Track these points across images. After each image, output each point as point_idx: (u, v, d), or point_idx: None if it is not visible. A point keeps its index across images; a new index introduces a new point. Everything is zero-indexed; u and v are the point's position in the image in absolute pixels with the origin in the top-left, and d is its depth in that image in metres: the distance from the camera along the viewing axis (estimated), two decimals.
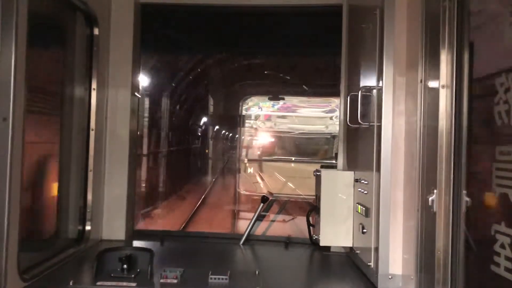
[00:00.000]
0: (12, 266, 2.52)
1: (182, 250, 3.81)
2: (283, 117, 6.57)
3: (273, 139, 6.66)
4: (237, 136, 6.47)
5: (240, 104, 6.37)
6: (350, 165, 3.72)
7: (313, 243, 3.87)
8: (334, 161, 4.17)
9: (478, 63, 2.10)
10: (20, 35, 2.51)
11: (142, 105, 4.63)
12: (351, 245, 3.51)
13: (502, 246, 1.71)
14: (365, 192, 3.12)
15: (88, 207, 3.72)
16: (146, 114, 5.05)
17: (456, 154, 2.19)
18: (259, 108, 6.55)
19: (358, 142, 3.45)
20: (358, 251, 3.31)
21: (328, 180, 3.57)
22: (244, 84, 6.46)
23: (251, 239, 4.13)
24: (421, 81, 2.50)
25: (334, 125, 5.50)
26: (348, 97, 3.41)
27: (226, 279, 2.89)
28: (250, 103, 6.49)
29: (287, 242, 4.09)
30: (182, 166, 6.81)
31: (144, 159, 5.65)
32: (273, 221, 4.57)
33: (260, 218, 4.30)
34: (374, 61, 2.93)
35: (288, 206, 4.86)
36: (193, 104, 6.60)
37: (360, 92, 3.09)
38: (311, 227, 3.95)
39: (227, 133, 6.68)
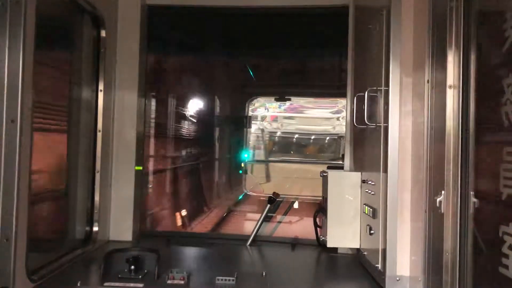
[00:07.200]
0: (20, 267, 2.54)
1: (189, 251, 3.81)
2: (290, 117, 6.57)
3: (279, 140, 6.65)
4: (243, 131, 6.44)
5: (247, 105, 6.36)
6: (357, 166, 3.71)
7: (320, 244, 3.86)
8: (341, 162, 4.16)
9: (485, 63, 2.08)
10: (28, 38, 2.52)
11: (148, 106, 4.64)
12: (358, 247, 3.50)
13: (510, 247, 1.70)
14: (372, 193, 3.10)
15: (96, 208, 3.74)
16: (153, 115, 5.06)
17: (463, 154, 2.17)
18: (265, 109, 6.55)
19: (365, 143, 3.44)
20: (365, 253, 3.30)
21: (335, 181, 3.56)
22: (251, 85, 6.45)
23: (258, 240, 4.13)
24: (428, 82, 2.48)
25: (341, 126, 5.49)
26: (355, 98, 3.40)
27: (233, 280, 2.89)
28: (257, 104, 6.48)
29: (294, 243, 4.09)
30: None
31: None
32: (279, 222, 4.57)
33: (267, 219, 4.30)
34: (381, 61, 2.92)
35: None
36: (199, 105, 6.60)
37: (366, 92, 3.08)
38: (318, 228, 3.94)
39: (233, 134, 6.67)
